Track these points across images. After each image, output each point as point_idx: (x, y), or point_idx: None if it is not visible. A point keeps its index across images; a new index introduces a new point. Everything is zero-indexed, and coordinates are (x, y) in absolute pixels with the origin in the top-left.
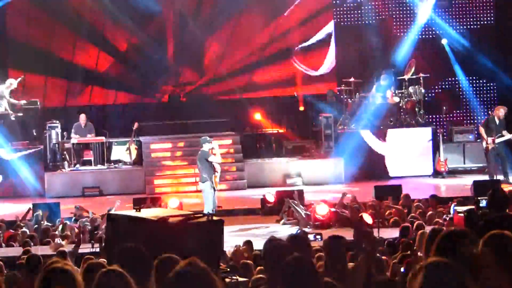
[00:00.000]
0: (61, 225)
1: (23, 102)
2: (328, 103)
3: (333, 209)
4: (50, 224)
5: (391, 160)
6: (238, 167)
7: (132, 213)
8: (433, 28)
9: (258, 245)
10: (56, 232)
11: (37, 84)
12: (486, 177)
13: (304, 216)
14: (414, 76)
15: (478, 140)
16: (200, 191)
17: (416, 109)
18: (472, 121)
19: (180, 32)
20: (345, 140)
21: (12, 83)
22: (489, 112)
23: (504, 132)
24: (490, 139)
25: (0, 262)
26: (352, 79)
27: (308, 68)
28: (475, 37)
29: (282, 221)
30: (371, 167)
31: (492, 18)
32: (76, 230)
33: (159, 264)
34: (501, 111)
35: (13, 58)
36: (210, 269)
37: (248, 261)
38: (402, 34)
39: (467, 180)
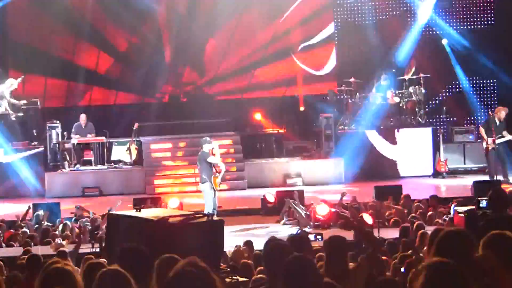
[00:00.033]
0: (61, 225)
1: (23, 102)
2: (329, 103)
3: (333, 209)
4: (50, 224)
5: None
6: (238, 167)
7: (133, 213)
8: (434, 28)
9: (259, 245)
10: (56, 232)
11: (38, 84)
12: (486, 178)
13: (304, 216)
14: (414, 76)
15: (479, 141)
16: (200, 191)
17: (416, 109)
18: (472, 122)
19: (181, 32)
20: (345, 140)
21: (13, 83)
22: (490, 112)
23: (505, 133)
24: (490, 140)
25: (0, 262)
26: (352, 79)
27: (311, 68)
28: (476, 37)
29: (282, 221)
30: (372, 167)
31: (492, 18)
32: (77, 230)
33: (161, 264)
34: (502, 113)
35: (13, 58)
36: (209, 268)
37: (249, 261)
38: (402, 34)
39: (467, 181)
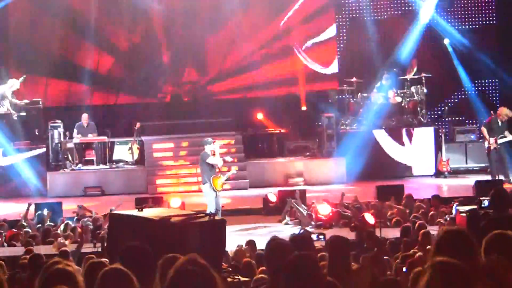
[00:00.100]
0: (62, 225)
1: (25, 102)
2: (330, 103)
3: (335, 209)
4: (52, 224)
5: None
6: (240, 166)
7: (134, 212)
8: (436, 28)
9: (260, 245)
10: (59, 231)
11: (39, 84)
12: (488, 177)
13: (306, 215)
14: (416, 76)
15: (480, 140)
16: (202, 191)
17: (418, 109)
18: (474, 121)
19: (182, 32)
20: (347, 140)
21: (14, 83)
22: (492, 112)
23: (506, 133)
24: (492, 140)
25: (1, 262)
26: (354, 79)
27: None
28: (477, 36)
29: (284, 221)
30: (374, 167)
31: (494, 18)
32: (79, 229)
33: (164, 264)
34: (503, 114)
35: (15, 58)
36: (209, 266)
37: (251, 261)
38: (404, 34)
39: (469, 180)
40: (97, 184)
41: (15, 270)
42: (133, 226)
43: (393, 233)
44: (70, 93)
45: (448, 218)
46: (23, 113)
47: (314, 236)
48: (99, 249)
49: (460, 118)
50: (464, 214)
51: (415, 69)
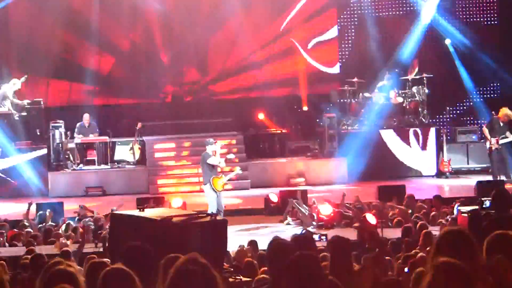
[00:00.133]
0: (64, 225)
1: (26, 102)
2: (332, 103)
3: (336, 209)
4: (53, 224)
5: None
6: (241, 167)
7: (136, 212)
8: (437, 28)
9: (262, 245)
10: (60, 232)
11: (40, 84)
12: (489, 178)
13: (307, 216)
14: (417, 76)
15: (482, 141)
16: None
17: (420, 109)
18: (475, 122)
19: (184, 32)
20: (348, 140)
21: (16, 83)
22: (493, 113)
23: (508, 133)
24: (494, 140)
25: (2, 262)
26: (355, 79)
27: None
28: (479, 37)
29: (286, 221)
30: (375, 167)
31: (495, 18)
32: (81, 230)
33: (166, 264)
34: (505, 115)
35: (16, 59)
36: (210, 265)
37: (253, 261)
38: (405, 34)
39: (471, 181)
40: (99, 184)
41: (17, 270)
42: (134, 226)
43: (394, 233)
44: (71, 93)
45: (450, 219)
46: (25, 113)
47: (316, 237)
48: (101, 249)
49: (462, 119)
50: (465, 215)
51: (416, 70)
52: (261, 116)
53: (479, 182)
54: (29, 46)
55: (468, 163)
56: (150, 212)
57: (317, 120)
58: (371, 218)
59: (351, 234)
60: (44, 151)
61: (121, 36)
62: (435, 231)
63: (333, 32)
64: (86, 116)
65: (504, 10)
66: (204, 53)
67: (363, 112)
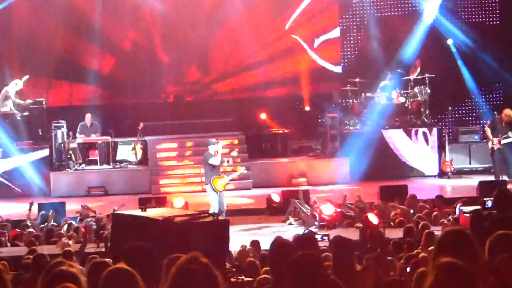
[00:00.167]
0: (65, 225)
1: (28, 101)
2: (334, 103)
3: (338, 209)
4: (55, 224)
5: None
6: (243, 167)
7: (138, 212)
8: (439, 28)
9: (265, 245)
10: (62, 231)
11: (42, 84)
12: (492, 178)
13: (309, 216)
14: (419, 77)
15: (484, 141)
16: (206, 191)
17: (422, 109)
18: (478, 122)
19: (185, 31)
20: (350, 140)
21: (18, 83)
22: (495, 113)
23: (510, 134)
24: (496, 140)
25: (4, 262)
26: (357, 79)
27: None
28: (481, 37)
29: (288, 221)
30: (378, 167)
31: (497, 18)
32: (83, 229)
33: (169, 264)
34: (507, 115)
35: (18, 58)
36: (212, 264)
37: (255, 261)
38: (407, 34)
39: (473, 181)
40: (101, 184)
41: (19, 270)
42: (136, 226)
43: (396, 233)
44: (73, 93)
45: (452, 219)
46: (26, 113)
47: (318, 237)
48: (103, 249)
49: (464, 119)
50: (467, 215)
51: (418, 70)
52: (263, 116)
53: (481, 182)
54: (31, 46)
55: (470, 163)
56: (152, 212)
57: (320, 120)
58: (373, 218)
59: (353, 234)
60: (46, 152)
61: (123, 36)
62: (437, 231)
63: (335, 32)
64: (88, 116)
65: (506, 10)
66: (206, 52)
67: (365, 112)
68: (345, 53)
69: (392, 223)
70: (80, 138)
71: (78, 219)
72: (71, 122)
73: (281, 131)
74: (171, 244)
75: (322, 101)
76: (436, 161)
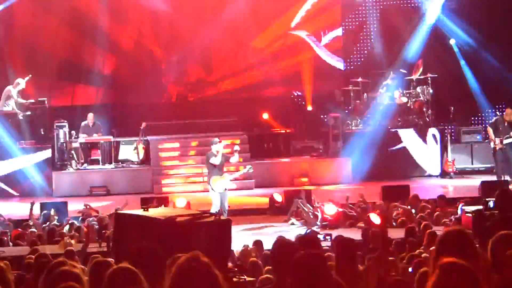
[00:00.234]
0: (67, 225)
1: (30, 101)
2: (336, 103)
3: (340, 209)
4: (57, 224)
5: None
6: (246, 166)
7: (140, 212)
8: (442, 28)
9: (267, 245)
10: (64, 231)
11: (45, 83)
12: (494, 178)
13: (312, 216)
14: (422, 76)
15: (486, 141)
16: (208, 191)
17: (424, 109)
18: (480, 122)
19: (188, 31)
20: (353, 140)
21: (20, 82)
22: (497, 112)
23: None
24: (498, 140)
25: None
26: (360, 79)
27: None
28: (483, 37)
29: (290, 221)
30: (380, 167)
31: (500, 18)
32: (85, 229)
33: (173, 264)
34: (509, 115)
35: (20, 58)
36: (212, 263)
37: (257, 261)
38: (410, 34)
39: (475, 181)
40: (103, 184)
41: (21, 270)
42: (138, 226)
43: (398, 233)
44: (75, 93)
45: (454, 219)
46: (29, 113)
47: (320, 237)
48: (105, 249)
49: (466, 119)
50: (469, 215)
51: (421, 70)
52: (265, 116)
53: (483, 182)
54: (33, 46)
55: (472, 163)
56: (154, 212)
57: (324, 118)
58: (375, 218)
59: (355, 234)
60: (48, 153)
61: (126, 36)
62: (439, 231)
63: (338, 32)
64: (90, 116)
65: (507, 10)
66: (209, 52)
67: (367, 112)
68: (347, 53)
69: (394, 223)
70: (83, 138)
71: (80, 219)
72: (73, 121)
73: (284, 131)
74: (173, 244)
75: (325, 101)
76: (437, 161)
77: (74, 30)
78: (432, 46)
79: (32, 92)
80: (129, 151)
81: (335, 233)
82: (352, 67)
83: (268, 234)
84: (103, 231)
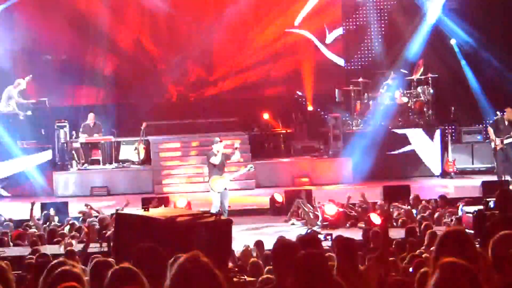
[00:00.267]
0: (68, 225)
1: (31, 101)
2: (337, 103)
3: (341, 209)
4: (58, 224)
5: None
6: (246, 166)
7: (140, 212)
8: (442, 28)
9: (268, 245)
10: (65, 231)
11: (45, 84)
12: (494, 178)
13: (312, 216)
14: (422, 77)
15: (487, 141)
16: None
17: (424, 109)
18: (480, 122)
19: (188, 31)
20: (354, 140)
21: (21, 83)
22: (498, 112)
23: None
24: (498, 140)
25: (7, 262)
26: (360, 79)
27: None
28: (484, 36)
29: (291, 221)
30: (380, 167)
31: (500, 18)
32: (86, 229)
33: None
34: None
35: (21, 58)
36: (212, 263)
37: (258, 261)
38: (411, 34)
39: (476, 181)
40: (103, 184)
41: (21, 270)
42: (139, 226)
43: (399, 233)
44: (76, 93)
45: (455, 219)
46: (30, 113)
47: (321, 236)
48: (105, 249)
49: (467, 119)
50: (470, 215)
51: (421, 70)
52: (266, 116)
53: (484, 182)
54: (33, 45)
55: (473, 163)
56: (155, 212)
57: (325, 117)
58: (375, 218)
59: (356, 234)
60: (49, 154)
61: (126, 35)
62: (440, 231)
63: (338, 31)
64: (91, 116)
65: (508, 9)
66: (209, 52)
67: (368, 112)
68: (348, 53)
69: (395, 223)
70: (83, 138)
71: (80, 219)
72: (74, 121)
73: (284, 131)
74: (174, 244)
75: (325, 101)
76: (438, 161)
77: (74, 30)
78: (432, 46)
79: (32, 93)
80: (130, 151)
81: (335, 233)
82: (352, 67)
83: (269, 234)
84: (104, 232)
